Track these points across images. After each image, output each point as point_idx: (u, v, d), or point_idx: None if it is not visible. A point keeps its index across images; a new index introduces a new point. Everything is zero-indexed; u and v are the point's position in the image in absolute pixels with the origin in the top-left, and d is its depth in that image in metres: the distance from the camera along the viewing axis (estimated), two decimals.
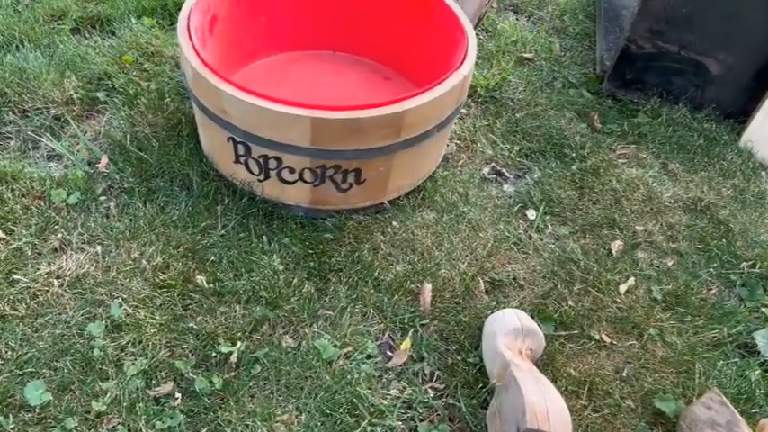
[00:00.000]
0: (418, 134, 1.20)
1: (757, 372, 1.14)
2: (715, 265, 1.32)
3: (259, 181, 1.24)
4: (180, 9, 1.29)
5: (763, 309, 1.27)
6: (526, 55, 1.77)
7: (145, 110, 1.43)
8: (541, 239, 1.31)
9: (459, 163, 1.43)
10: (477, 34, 1.81)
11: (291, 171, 1.19)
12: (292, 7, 1.51)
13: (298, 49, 1.58)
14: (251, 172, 1.23)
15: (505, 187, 1.43)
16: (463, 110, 1.59)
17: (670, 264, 1.30)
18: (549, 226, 1.34)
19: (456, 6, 1.37)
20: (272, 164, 1.19)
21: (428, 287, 1.17)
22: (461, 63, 1.23)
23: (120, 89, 1.48)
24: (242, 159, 1.21)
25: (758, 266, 1.33)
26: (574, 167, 1.47)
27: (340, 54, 1.60)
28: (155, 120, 1.41)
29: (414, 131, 1.19)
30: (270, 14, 1.49)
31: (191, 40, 1.20)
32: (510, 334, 1.06)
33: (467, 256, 1.24)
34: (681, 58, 1.62)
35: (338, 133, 1.11)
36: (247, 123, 1.13)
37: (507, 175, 1.45)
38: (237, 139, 1.18)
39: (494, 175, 1.44)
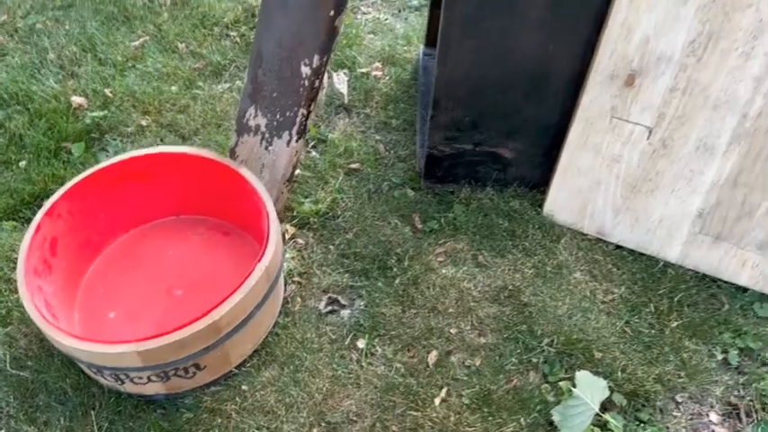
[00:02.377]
0: (241, 320, 1.43)
1: None
2: (519, 351, 1.59)
3: (119, 384, 1.46)
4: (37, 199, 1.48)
5: (561, 383, 1.54)
6: (353, 166, 1.98)
7: (18, 324, 1.63)
8: (371, 365, 1.56)
9: (296, 308, 1.67)
10: (308, 151, 2.03)
11: (140, 378, 1.42)
12: (128, 193, 1.71)
13: (143, 223, 1.78)
14: (108, 381, 1.45)
15: (342, 313, 1.67)
16: (301, 240, 1.81)
17: (478, 363, 1.57)
18: (378, 349, 1.59)
19: (261, 191, 1.57)
20: (122, 376, 1.41)
21: None
22: (262, 254, 1.45)
23: None
24: (97, 374, 1.44)
25: (555, 342, 1.60)
26: (396, 282, 1.71)
27: (183, 217, 1.80)
28: (29, 331, 1.62)
29: (235, 322, 1.42)
30: (108, 209, 1.69)
31: (32, 296, 1.40)
32: None
33: (305, 405, 1.49)
34: (478, 153, 1.85)
35: (165, 353, 1.34)
36: (88, 359, 1.36)
37: (342, 302, 1.69)
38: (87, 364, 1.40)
39: (330, 307, 1.68)
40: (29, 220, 1.87)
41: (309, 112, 1.65)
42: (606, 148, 1.69)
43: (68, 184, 1.59)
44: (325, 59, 1.57)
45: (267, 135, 1.73)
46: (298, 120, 1.65)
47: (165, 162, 1.66)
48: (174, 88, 2.16)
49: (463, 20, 1.59)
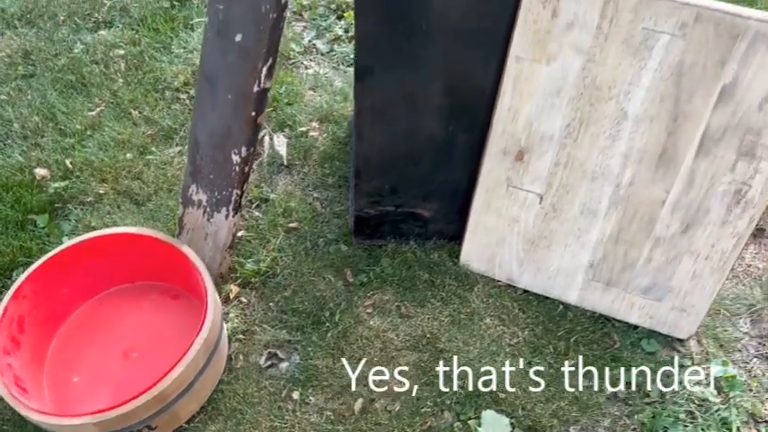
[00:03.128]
0: (186, 386, 1.66)
1: None
2: (434, 394, 1.82)
3: None
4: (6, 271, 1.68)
5: (470, 422, 1.78)
6: (292, 225, 2.20)
7: None
8: (305, 415, 1.79)
9: (239, 365, 1.89)
10: (251, 212, 2.24)
11: None
12: (87, 268, 1.92)
13: (101, 291, 1.99)
14: None
15: (281, 366, 1.90)
16: (244, 299, 2.04)
17: (398, 408, 1.80)
18: (312, 399, 1.82)
19: (200, 267, 1.79)
20: None
21: None
22: (201, 327, 1.67)
23: None
24: None
25: (466, 385, 1.83)
26: (329, 335, 1.94)
27: (137, 283, 2.02)
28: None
29: (180, 389, 1.64)
30: (69, 283, 1.90)
31: (1, 375, 1.62)
32: None
33: None
34: (400, 213, 2.07)
35: (119, 421, 1.56)
36: (53, 429, 1.58)
37: (281, 356, 1.92)
38: None
39: (269, 361, 1.91)
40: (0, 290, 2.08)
41: (243, 192, 1.87)
42: (506, 211, 1.92)
43: (31, 268, 1.80)
44: (251, 150, 1.79)
45: (208, 209, 1.95)
46: (232, 198, 1.87)
47: (118, 241, 1.87)
48: (129, 155, 2.36)
49: (373, 109, 1.81)
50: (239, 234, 2.15)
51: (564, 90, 1.65)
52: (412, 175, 1.97)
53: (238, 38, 1.63)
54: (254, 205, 2.27)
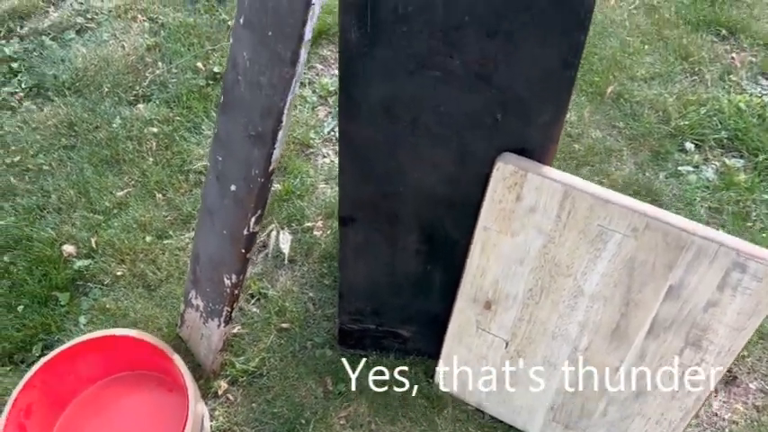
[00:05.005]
0: None
1: None
2: None
3: None
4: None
5: None
6: (284, 325, 2.37)
7: None
8: None
9: None
10: (248, 308, 2.42)
11: None
12: (91, 359, 2.13)
13: (103, 378, 2.21)
14: None
15: None
16: (231, 397, 2.22)
17: None
18: None
19: (188, 379, 1.98)
20: None
21: None
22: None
23: None
24: None
25: None
26: None
27: (137, 371, 2.22)
28: None
29: None
30: (74, 372, 2.12)
31: None
32: None
33: None
34: (381, 331, 2.21)
35: None
36: None
37: None
38: None
39: None
40: (19, 363, 2.32)
41: (232, 309, 2.05)
42: (475, 348, 2.03)
43: (43, 360, 2.02)
44: (241, 277, 1.96)
45: (204, 314, 2.14)
46: (223, 313, 2.05)
47: (120, 342, 2.08)
48: (148, 239, 2.58)
49: (356, 247, 1.96)
50: (234, 330, 2.33)
51: (526, 261, 1.76)
52: (392, 302, 2.11)
53: (233, 187, 1.80)
54: (252, 300, 2.45)
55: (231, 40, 1.73)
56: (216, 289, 2.03)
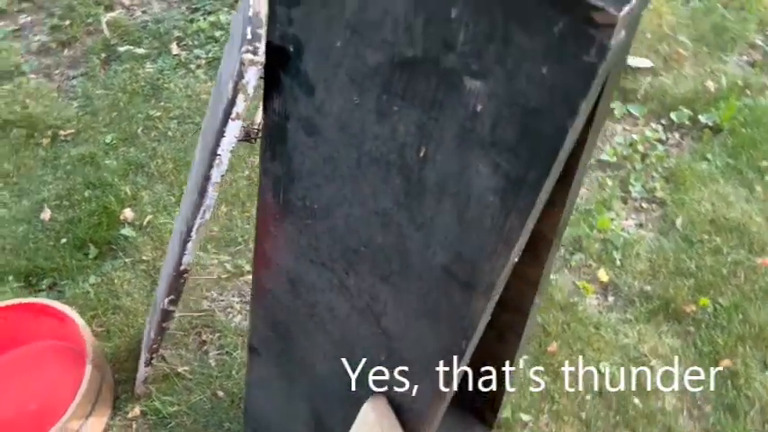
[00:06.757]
0: None
1: None
2: None
3: None
4: None
5: None
6: (219, 393, 2.31)
7: None
8: None
9: None
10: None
11: None
12: None
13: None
14: None
15: None
16: (134, 424, 2.23)
17: None
18: None
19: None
20: None
21: None
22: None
23: None
24: None
25: None
26: None
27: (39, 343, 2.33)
28: None
29: None
30: None
31: None
32: None
33: None
34: None
35: None
36: None
37: None
38: None
39: None
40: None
41: (152, 358, 2.05)
42: None
43: None
44: (159, 338, 1.94)
45: (144, 344, 2.17)
46: (145, 357, 2.06)
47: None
48: None
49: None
50: (179, 370, 2.33)
51: None
52: None
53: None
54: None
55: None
56: (149, 334, 2.04)
